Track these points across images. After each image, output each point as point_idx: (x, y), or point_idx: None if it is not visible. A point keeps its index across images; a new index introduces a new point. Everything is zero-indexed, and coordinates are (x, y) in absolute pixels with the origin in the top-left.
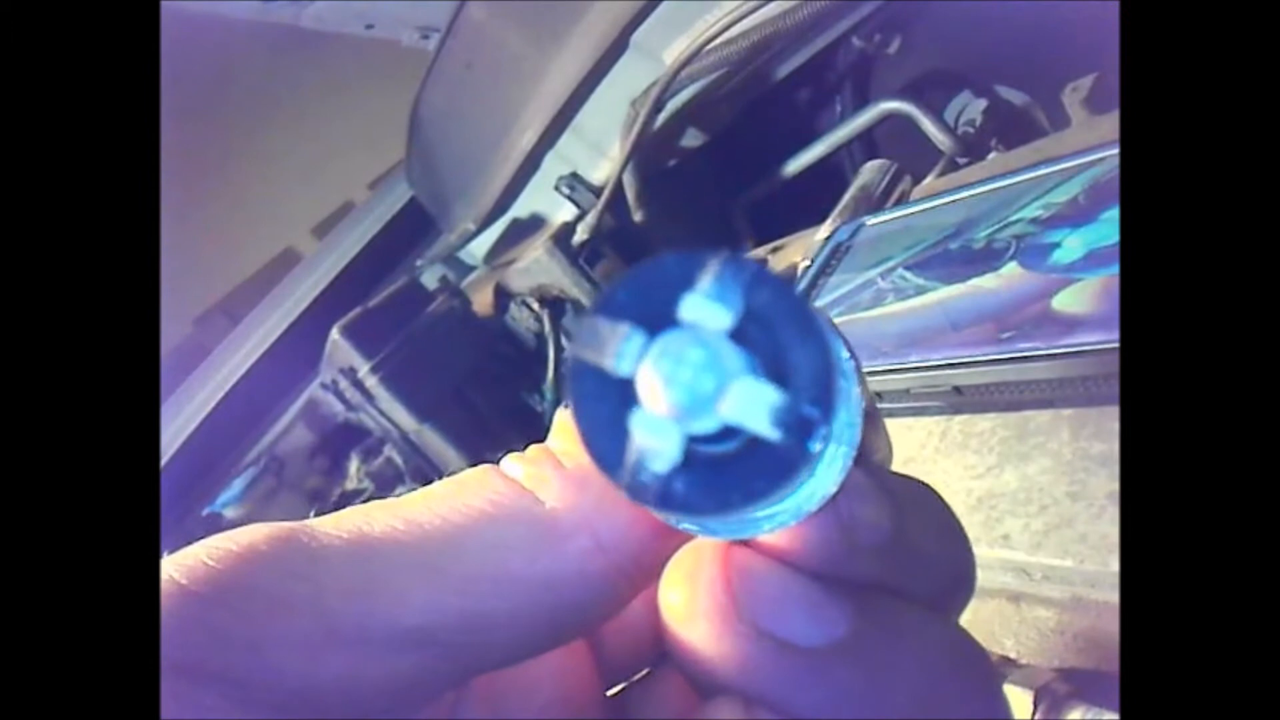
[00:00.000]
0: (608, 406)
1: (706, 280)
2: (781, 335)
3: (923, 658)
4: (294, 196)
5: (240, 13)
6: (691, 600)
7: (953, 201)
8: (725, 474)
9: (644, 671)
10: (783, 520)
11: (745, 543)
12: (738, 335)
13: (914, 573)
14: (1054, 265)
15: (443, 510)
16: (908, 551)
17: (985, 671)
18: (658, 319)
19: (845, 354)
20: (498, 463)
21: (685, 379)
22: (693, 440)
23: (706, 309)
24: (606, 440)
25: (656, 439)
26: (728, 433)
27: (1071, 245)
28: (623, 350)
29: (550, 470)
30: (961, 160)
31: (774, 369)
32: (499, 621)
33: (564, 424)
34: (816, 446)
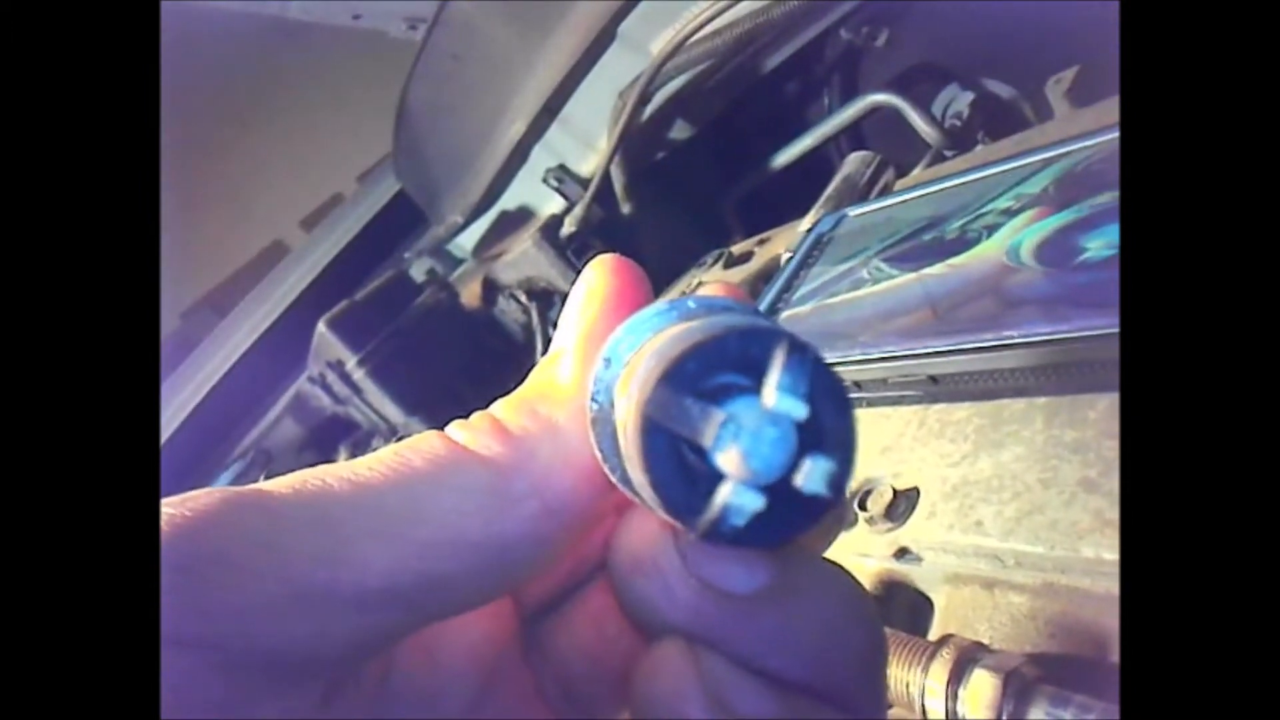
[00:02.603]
0: (683, 467)
1: (777, 369)
2: (824, 408)
3: (828, 605)
4: (282, 189)
5: (228, 5)
6: (646, 558)
7: (931, 193)
8: (777, 519)
9: (557, 606)
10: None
11: None
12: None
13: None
14: (1019, 255)
15: (398, 474)
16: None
17: (874, 620)
18: (727, 392)
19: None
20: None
21: (764, 453)
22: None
23: (783, 400)
24: (680, 492)
25: (737, 498)
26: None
27: (1037, 236)
28: (707, 427)
29: (499, 437)
30: (948, 153)
31: (817, 436)
32: (457, 581)
33: (513, 398)
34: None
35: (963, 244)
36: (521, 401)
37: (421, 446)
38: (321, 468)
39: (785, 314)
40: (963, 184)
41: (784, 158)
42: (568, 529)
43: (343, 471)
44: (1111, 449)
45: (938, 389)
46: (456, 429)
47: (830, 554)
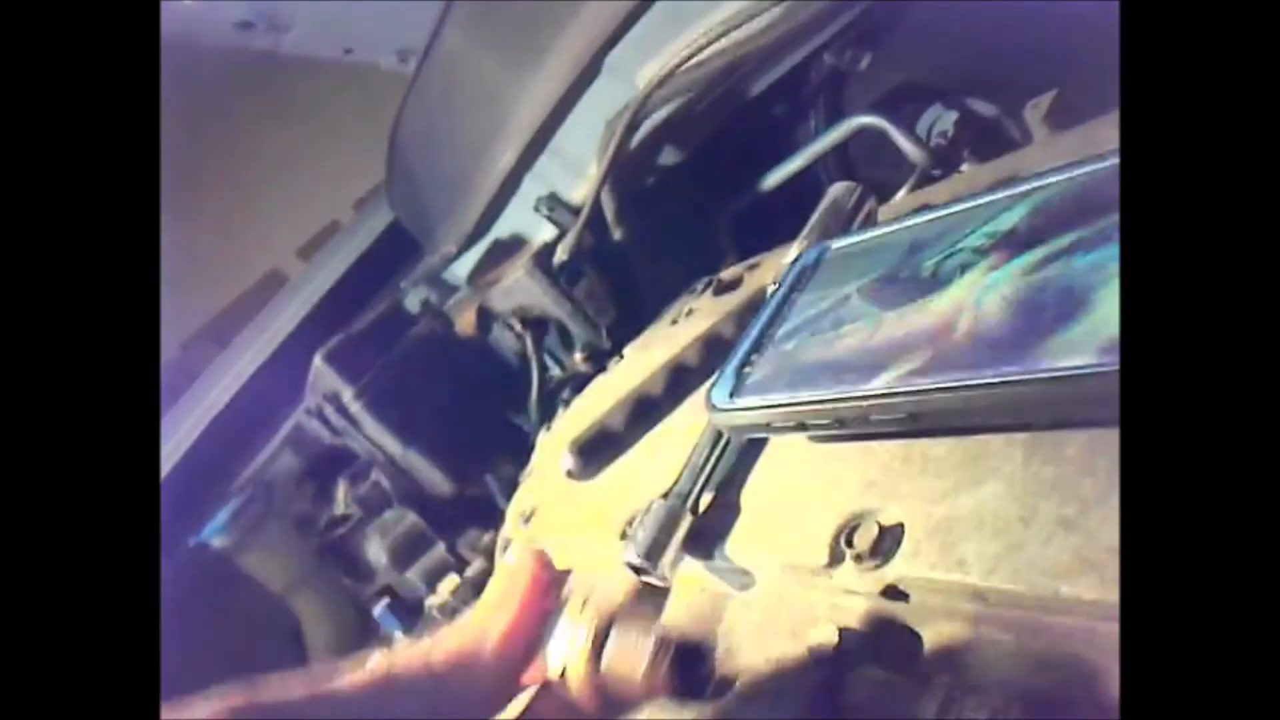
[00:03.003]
0: None
1: None
2: None
3: None
4: (279, 219)
5: (218, 40)
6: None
7: (909, 227)
8: None
9: None
10: None
11: None
12: None
13: None
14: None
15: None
16: None
17: None
18: None
19: None
20: (484, 485)
21: None
22: None
23: None
24: None
25: None
26: None
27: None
28: None
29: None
30: (935, 173)
31: None
32: None
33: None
34: None
35: (936, 283)
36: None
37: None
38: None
39: (770, 350)
40: (939, 217)
41: (772, 180)
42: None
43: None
44: (1089, 486)
45: (917, 425)
46: (400, 654)
47: (818, 592)
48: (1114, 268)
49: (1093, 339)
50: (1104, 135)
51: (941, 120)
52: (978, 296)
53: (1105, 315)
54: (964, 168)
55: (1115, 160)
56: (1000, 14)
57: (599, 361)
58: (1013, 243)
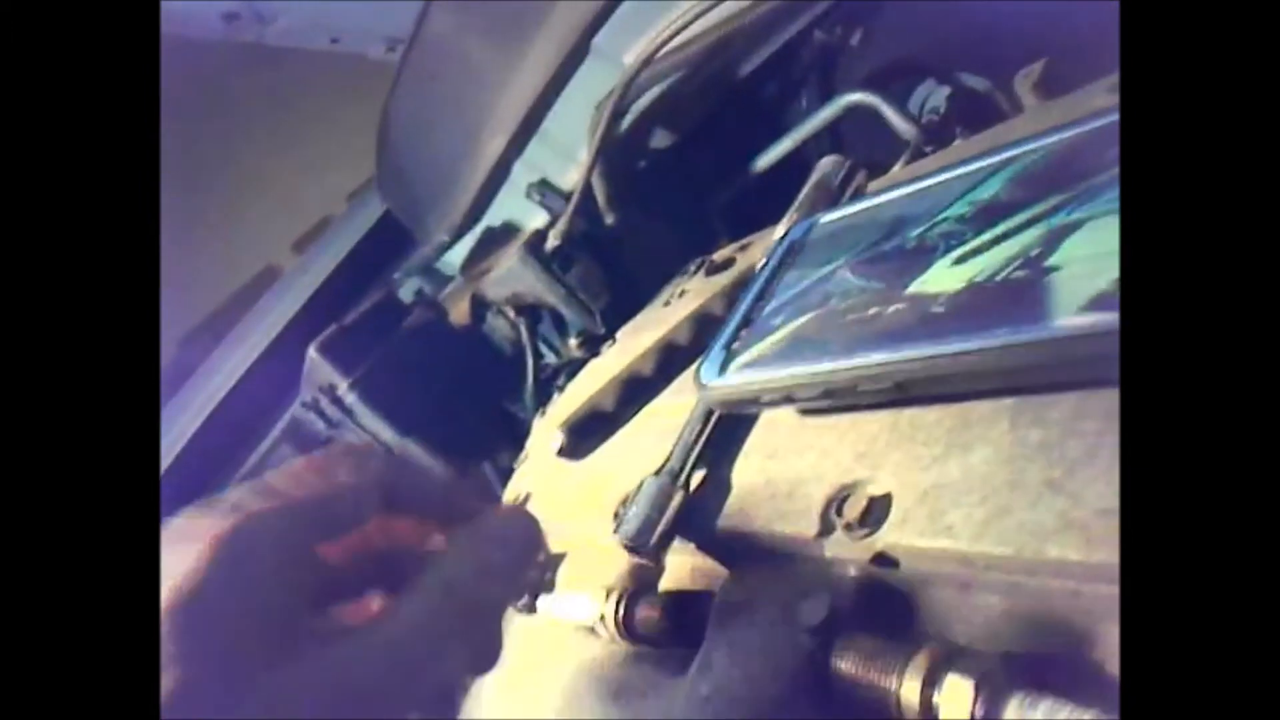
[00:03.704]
0: None
1: None
2: None
3: None
4: (272, 214)
5: (205, 33)
6: None
7: (896, 198)
8: None
9: None
10: None
11: None
12: None
13: None
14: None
15: None
16: None
17: None
18: None
19: None
20: (481, 473)
21: None
22: None
23: None
24: None
25: None
26: None
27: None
28: None
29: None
30: (928, 149)
31: None
32: None
33: None
34: None
35: (922, 253)
36: None
37: None
38: None
39: (758, 326)
40: (923, 189)
41: (765, 161)
42: None
43: None
44: (1074, 448)
45: (905, 394)
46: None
47: (810, 560)
48: (1094, 228)
49: (1074, 299)
50: (1092, 102)
51: (934, 96)
52: (960, 265)
53: (1083, 275)
54: (957, 142)
55: (1094, 124)
56: None
57: (594, 346)
58: (995, 209)
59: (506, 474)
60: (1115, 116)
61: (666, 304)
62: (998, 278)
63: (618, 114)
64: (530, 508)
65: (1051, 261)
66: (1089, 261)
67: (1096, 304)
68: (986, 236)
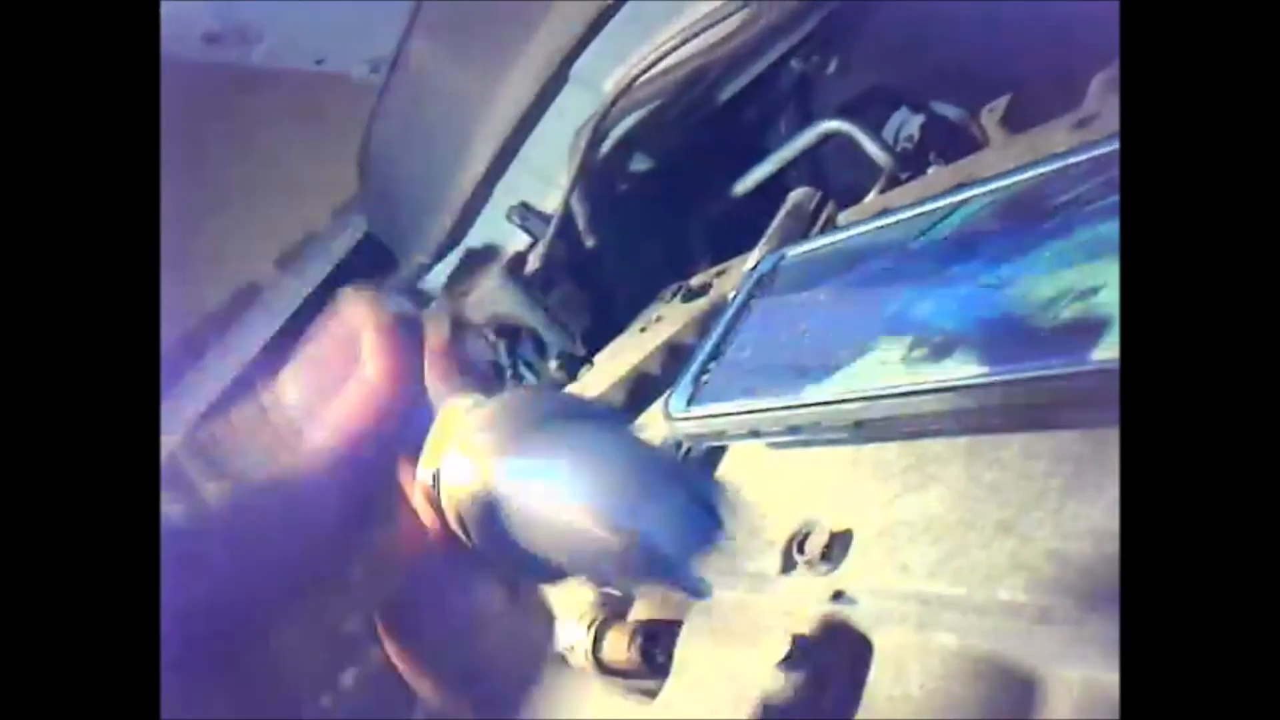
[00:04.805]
0: None
1: None
2: None
3: None
4: (254, 229)
5: (186, 53)
6: None
7: (860, 234)
8: None
9: None
10: None
11: None
12: None
13: None
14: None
15: None
16: None
17: None
18: None
19: None
20: None
21: None
22: None
23: None
24: None
25: None
26: None
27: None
28: None
29: None
30: (903, 175)
31: None
32: None
33: None
34: None
35: (883, 290)
36: None
37: None
38: None
39: (727, 358)
40: (887, 225)
41: (743, 186)
42: None
43: None
44: (1025, 489)
45: (863, 432)
46: None
47: (771, 599)
48: (1039, 274)
49: (1028, 342)
50: (1057, 138)
51: (908, 124)
52: (915, 305)
53: (1037, 317)
54: (931, 170)
55: (1049, 166)
56: (962, 16)
57: (573, 368)
58: (946, 251)
59: None
60: (1070, 159)
61: (643, 330)
62: (948, 325)
63: (597, 139)
64: None
65: (1000, 303)
66: (1033, 307)
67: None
68: (940, 278)
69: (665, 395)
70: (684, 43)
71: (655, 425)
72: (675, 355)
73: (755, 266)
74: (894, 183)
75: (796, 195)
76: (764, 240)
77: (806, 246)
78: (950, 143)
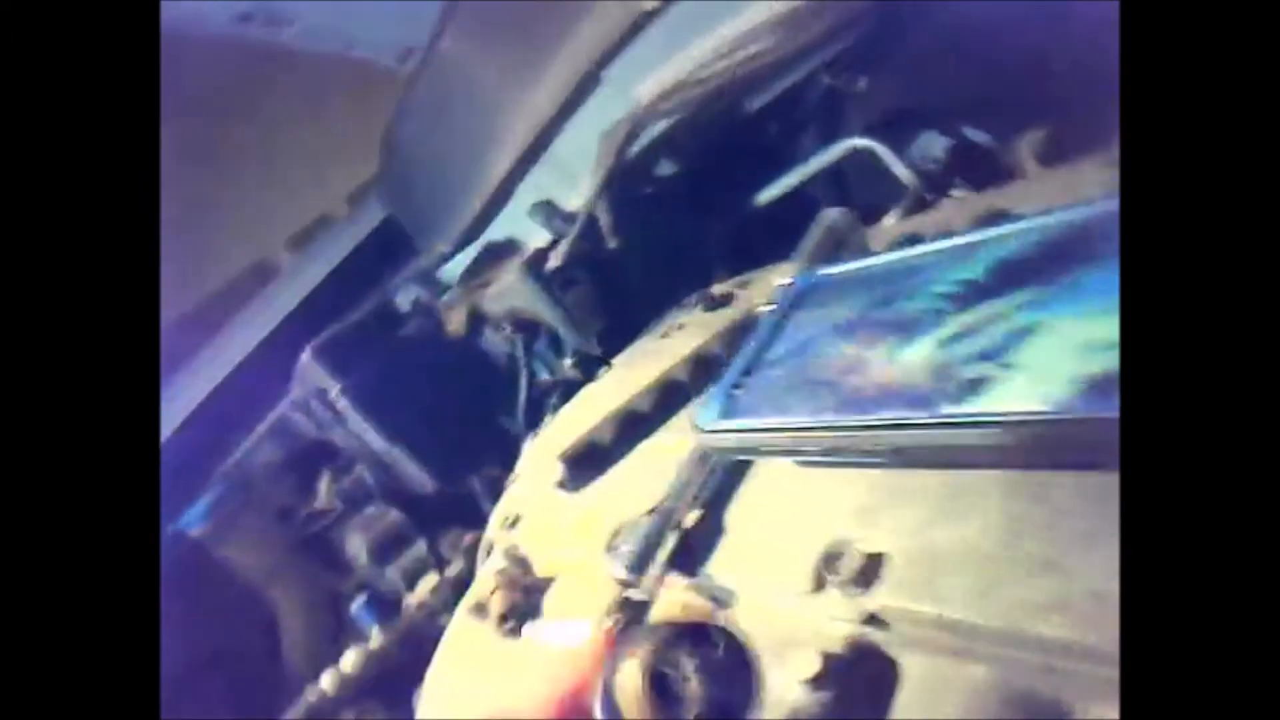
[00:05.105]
0: None
1: None
2: None
3: None
4: (269, 208)
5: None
6: None
7: (892, 260)
8: None
9: None
10: None
11: None
12: None
13: None
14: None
15: None
16: None
17: None
18: None
19: None
20: (469, 486)
21: None
22: None
23: None
24: None
25: None
26: None
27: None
28: None
29: None
30: (926, 197)
31: None
32: None
33: None
34: None
35: (912, 324)
36: None
37: None
38: None
39: (760, 374)
40: (912, 256)
41: (767, 197)
42: None
43: None
44: (1071, 529)
45: (901, 458)
46: None
47: (801, 616)
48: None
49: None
50: (1090, 176)
51: (934, 146)
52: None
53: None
54: (954, 193)
55: (1073, 215)
56: (996, 43)
57: (588, 368)
58: (972, 293)
59: (493, 488)
60: (1099, 208)
61: (664, 335)
62: (965, 370)
63: (626, 143)
64: (521, 530)
65: (1010, 359)
66: (1049, 360)
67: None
68: (960, 322)
69: (695, 407)
70: (719, 57)
71: (683, 431)
72: (703, 366)
73: (790, 284)
74: (917, 202)
75: (829, 215)
76: (795, 257)
77: (841, 269)
78: (976, 168)
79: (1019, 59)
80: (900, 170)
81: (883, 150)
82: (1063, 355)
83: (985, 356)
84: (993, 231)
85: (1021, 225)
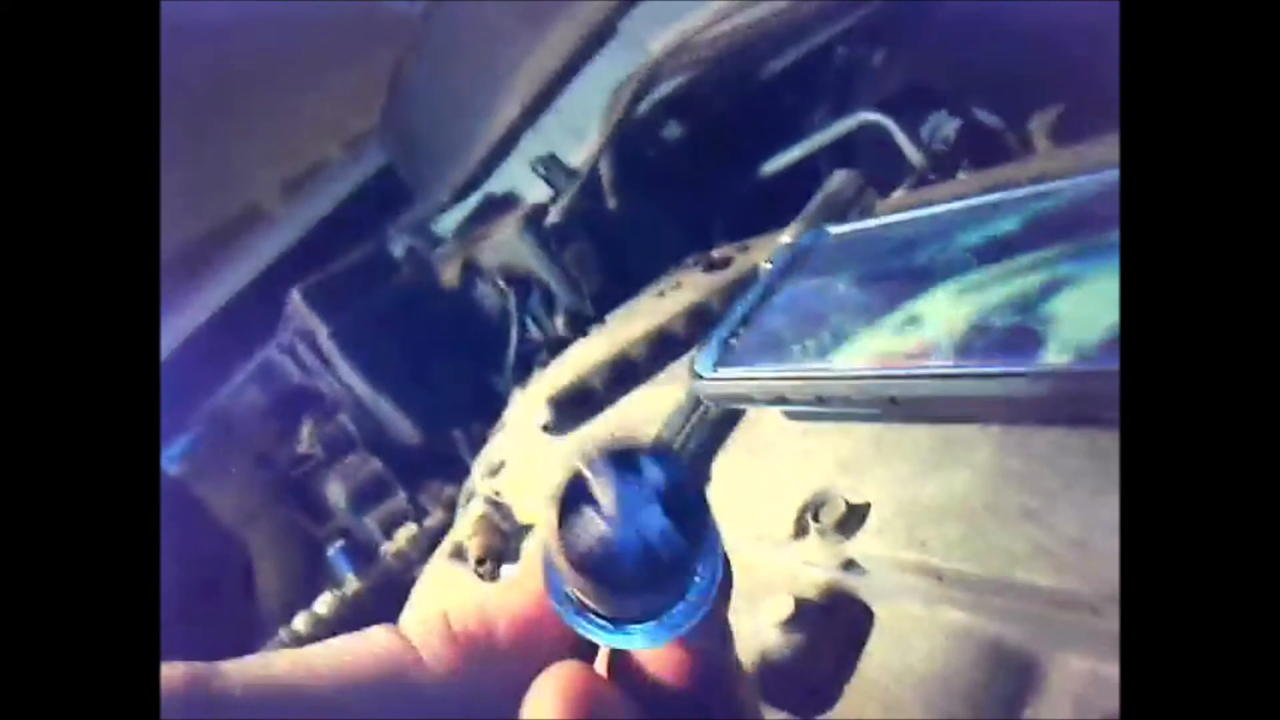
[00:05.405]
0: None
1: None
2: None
3: None
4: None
5: None
6: None
7: (909, 219)
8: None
9: None
10: (659, 634)
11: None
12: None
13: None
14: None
15: (337, 664)
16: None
17: None
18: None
19: (717, 533)
20: (452, 439)
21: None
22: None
23: (651, 470)
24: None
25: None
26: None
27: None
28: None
29: (437, 635)
30: (931, 177)
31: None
32: None
33: (469, 599)
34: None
35: (926, 275)
36: (472, 603)
37: (371, 643)
38: (279, 653)
39: (758, 325)
40: (938, 214)
41: (772, 166)
42: None
43: (289, 656)
44: (1054, 480)
45: (896, 409)
46: (410, 626)
47: (779, 562)
48: (1090, 283)
49: (1063, 346)
50: (1101, 154)
51: (945, 126)
52: (962, 295)
53: (1081, 320)
54: (961, 175)
55: (1109, 176)
56: (1016, 26)
57: (579, 327)
58: (1006, 246)
59: (477, 442)
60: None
61: (660, 294)
62: (994, 318)
63: (635, 99)
64: (504, 477)
65: (1046, 309)
66: (1081, 313)
67: (1085, 354)
68: (991, 273)
69: (690, 355)
70: (738, 10)
71: (674, 383)
72: (700, 319)
73: (794, 240)
74: (923, 182)
75: (838, 177)
76: (802, 216)
77: (850, 227)
78: (984, 150)
79: (1037, 41)
80: (909, 148)
81: (893, 127)
82: (1098, 308)
83: (1017, 308)
84: (1023, 191)
85: (1054, 186)
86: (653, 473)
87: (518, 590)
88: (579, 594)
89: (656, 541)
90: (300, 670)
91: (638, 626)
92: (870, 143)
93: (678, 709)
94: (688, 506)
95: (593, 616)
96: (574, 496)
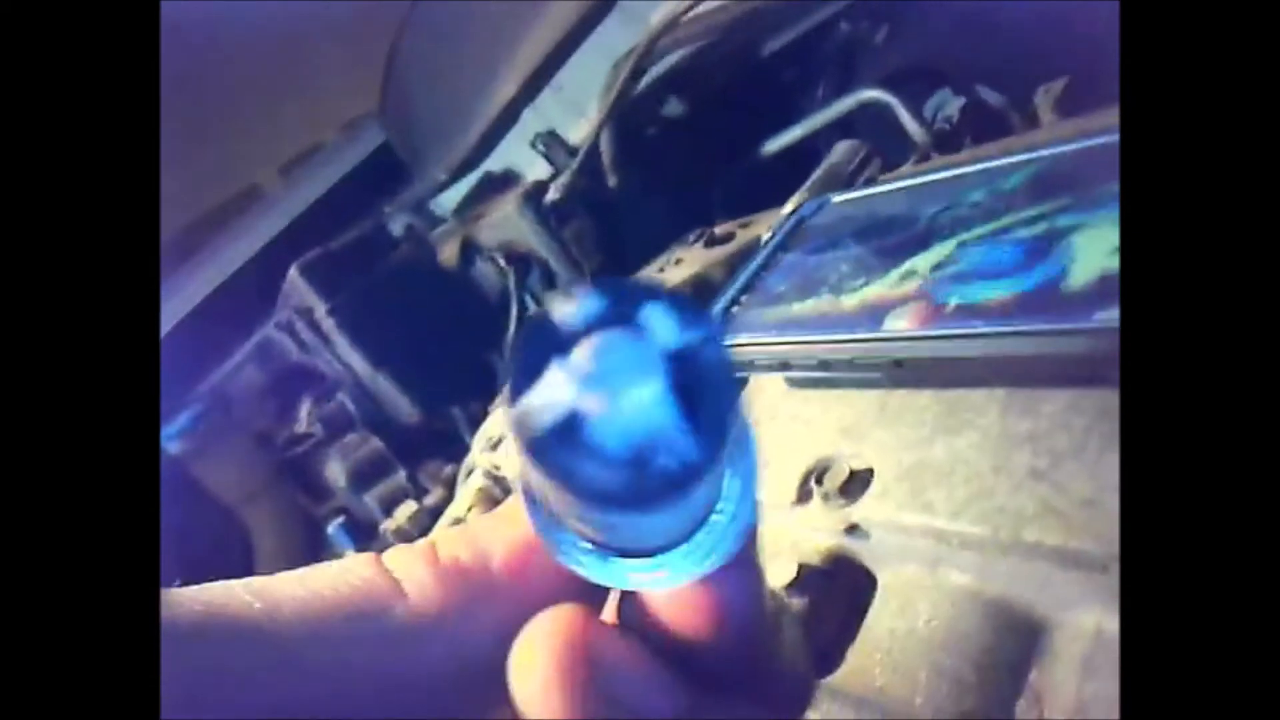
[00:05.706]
0: (544, 353)
1: (662, 306)
2: (705, 388)
3: None
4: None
5: None
6: (550, 673)
7: (913, 185)
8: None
9: None
10: (676, 574)
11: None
12: (672, 369)
13: (755, 672)
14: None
15: (309, 595)
16: (758, 651)
17: None
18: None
19: (750, 435)
20: (451, 417)
21: (614, 360)
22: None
23: (660, 322)
24: (529, 378)
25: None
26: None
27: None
28: (579, 309)
29: (423, 566)
30: (933, 155)
31: (686, 409)
32: (342, 707)
33: (457, 529)
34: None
35: (931, 235)
36: (463, 532)
37: (348, 574)
38: (245, 582)
39: (759, 293)
40: (944, 179)
41: (774, 144)
42: (475, 671)
43: (256, 584)
44: (1063, 441)
45: (901, 373)
46: (395, 555)
47: (782, 527)
48: (1099, 230)
49: (1078, 300)
50: (1105, 123)
51: (948, 104)
52: (963, 248)
53: (1089, 274)
54: (964, 154)
55: (1110, 138)
56: (1020, 3)
57: None
58: (1011, 202)
59: (476, 420)
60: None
61: (661, 270)
62: (1002, 267)
63: (634, 75)
64: (504, 451)
65: (1052, 258)
66: (1093, 260)
67: (1092, 302)
68: (992, 226)
69: None
70: None
71: None
72: (701, 290)
73: (796, 210)
74: (925, 161)
75: (841, 148)
76: (805, 186)
77: (852, 195)
78: (988, 129)
79: (1041, 19)
80: (912, 126)
81: (896, 104)
82: (1104, 253)
83: (1005, 272)
84: (1025, 155)
85: (1054, 150)
86: (663, 327)
87: (516, 520)
88: (546, 500)
89: (656, 430)
90: (265, 603)
91: (638, 561)
92: (873, 120)
93: (699, 663)
94: (708, 387)
95: (579, 542)
96: (539, 348)
